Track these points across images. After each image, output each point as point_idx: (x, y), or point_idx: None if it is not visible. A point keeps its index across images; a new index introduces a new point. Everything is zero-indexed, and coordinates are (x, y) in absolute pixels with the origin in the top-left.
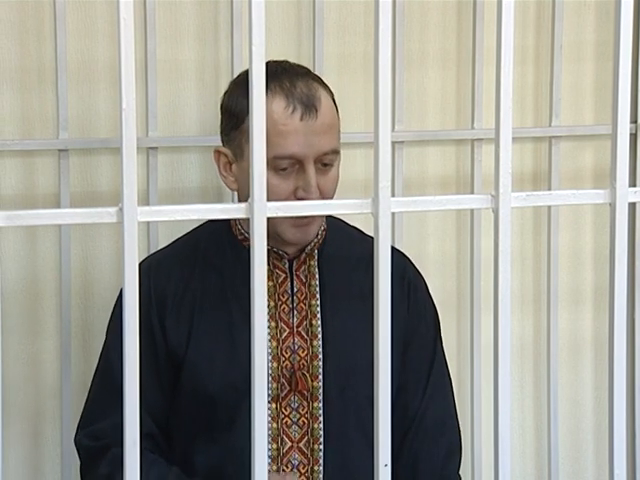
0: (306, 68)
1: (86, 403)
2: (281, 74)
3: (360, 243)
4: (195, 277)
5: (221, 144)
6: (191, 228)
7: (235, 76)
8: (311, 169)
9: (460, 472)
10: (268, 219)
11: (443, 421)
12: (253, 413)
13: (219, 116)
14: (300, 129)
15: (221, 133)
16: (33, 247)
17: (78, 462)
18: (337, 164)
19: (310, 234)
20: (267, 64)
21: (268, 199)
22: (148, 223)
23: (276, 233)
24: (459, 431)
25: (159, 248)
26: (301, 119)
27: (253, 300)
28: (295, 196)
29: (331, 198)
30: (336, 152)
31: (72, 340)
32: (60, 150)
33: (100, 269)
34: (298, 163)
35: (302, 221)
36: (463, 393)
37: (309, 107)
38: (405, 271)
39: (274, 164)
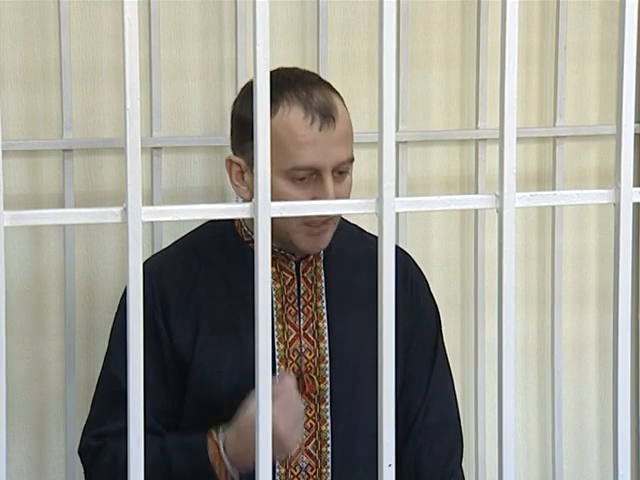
0: (317, 75)
1: (90, 410)
2: (295, 83)
3: (361, 242)
4: (200, 280)
5: (232, 153)
6: (194, 228)
7: (239, 77)
8: (329, 179)
9: (463, 470)
10: (283, 228)
11: (446, 417)
12: (257, 414)
13: (229, 125)
14: (319, 139)
15: (233, 142)
16: (37, 247)
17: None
18: (351, 170)
19: (325, 242)
20: (279, 72)
21: None
22: (152, 223)
23: (291, 242)
24: (461, 426)
25: (157, 251)
26: (320, 129)
27: (257, 300)
28: None
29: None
30: (352, 160)
31: (76, 339)
32: (64, 150)
33: (104, 269)
34: (315, 173)
35: (318, 229)
36: (467, 393)
37: (327, 117)
38: (408, 269)
39: (292, 175)
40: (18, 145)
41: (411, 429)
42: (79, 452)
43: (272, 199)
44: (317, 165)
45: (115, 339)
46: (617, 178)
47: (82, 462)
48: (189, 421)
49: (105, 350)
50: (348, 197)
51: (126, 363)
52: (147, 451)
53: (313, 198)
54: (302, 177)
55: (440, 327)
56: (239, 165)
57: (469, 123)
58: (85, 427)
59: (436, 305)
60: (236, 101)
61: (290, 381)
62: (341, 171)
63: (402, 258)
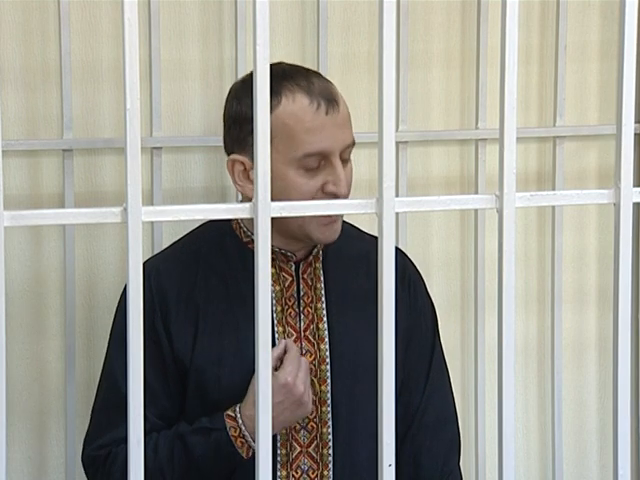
0: (304, 67)
1: (90, 419)
2: (292, 73)
3: (360, 242)
4: (198, 281)
5: (230, 153)
6: (192, 229)
7: (239, 77)
8: (338, 163)
9: (464, 473)
10: (295, 221)
11: (444, 416)
12: (257, 418)
13: (224, 125)
14: (327, 124)
15: (233, 142)
16: (37, 247)
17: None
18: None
19: (337, 230)
20: (271, 68)
21: (295, 198)
22: (152, 223)
23: (304, 234)
24: (458, 425)
25: (157, 251)
26: (326, 113)
27: (257, 301)
28: (323, 191)
29: (350, 189)
30: (354, 143)
31: (76, 339)
32: (64, 150)
33: (104, 269)
34: (324, 159)
35: (330, 218)
36: (467, 393)
37: (331, 101)
38: (405, 269)
39: (303, 162)
40: (18, 145)
41: (409, 428)
42: (83, 463)
43: (284, 191)
44: (327, 149)
45: (113, 347)
46: (617, 178)
47: (86, 473)
48: (191, 423)
49: (104, 353)
50: (351, 182)
51: (126, 365)
52: (162, 442)
53: (324, 184)
54: (312, 165)
55: (437, 326)
56: (243, 163)
57: (469, 123)
58: (87, 437)
59: (433, 304)
60: (228, 102)
61: (289, 341)
62: (345, 157)
63: (400, 258)
